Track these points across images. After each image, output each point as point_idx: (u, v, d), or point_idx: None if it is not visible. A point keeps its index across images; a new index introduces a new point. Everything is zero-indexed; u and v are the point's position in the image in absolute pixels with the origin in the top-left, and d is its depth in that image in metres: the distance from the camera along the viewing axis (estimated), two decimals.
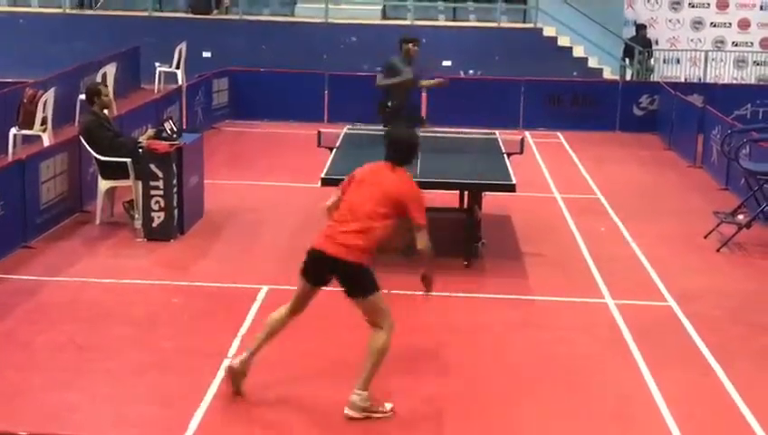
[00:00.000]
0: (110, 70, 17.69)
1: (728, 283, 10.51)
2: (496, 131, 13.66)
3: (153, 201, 11.18)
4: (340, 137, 12.64)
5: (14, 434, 5.98)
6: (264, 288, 9.74)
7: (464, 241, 10.87)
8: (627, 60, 22.38)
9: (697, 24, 23.75)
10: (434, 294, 9.77)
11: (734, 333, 9.11)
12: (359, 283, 7.11)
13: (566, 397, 7.65)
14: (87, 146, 11.61)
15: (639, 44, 22.11)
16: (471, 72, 21.68)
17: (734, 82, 22.72)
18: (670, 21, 23.70)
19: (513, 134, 14.59)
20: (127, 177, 11.55)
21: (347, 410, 7.08)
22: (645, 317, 9.39)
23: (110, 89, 16.15)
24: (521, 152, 12.12)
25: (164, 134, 11.58)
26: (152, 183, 11.17)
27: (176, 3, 24.01)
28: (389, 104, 13.44)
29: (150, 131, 11.93)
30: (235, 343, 8.33)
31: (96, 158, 11.61)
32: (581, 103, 19.11)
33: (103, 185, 11.70)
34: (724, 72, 23.11)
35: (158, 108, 15.24)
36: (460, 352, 8.48)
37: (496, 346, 8.69)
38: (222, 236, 11.63)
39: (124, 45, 20.76)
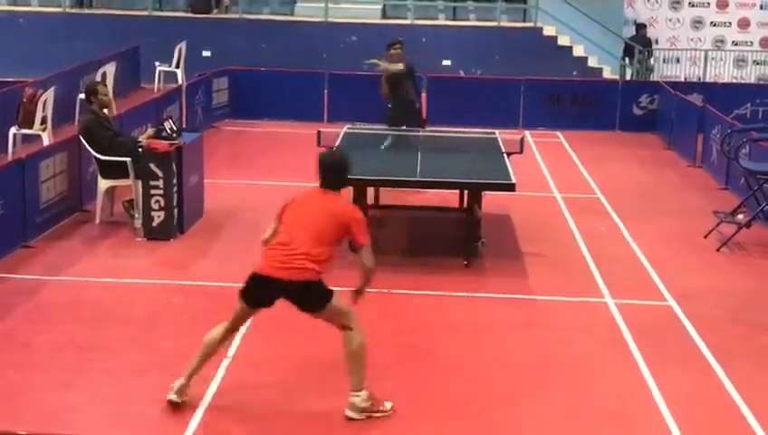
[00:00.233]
0: (110, 69, 17.68)
1: (728, 282, 10.51)
2: (496, 131, 13.67)
3: (153, 200, 11.18)
4: (340, 136, 12.64)
5: (15, 434, 5.97)
6: None
7: (463, 240, 10.88)
8: (627, 59, 22.38)
9: (697, 23, 23.74)
10: (434, 293, 9.82)
11: (734, 332, 9.11)
12: (315, 297, 7.07)
13: (566, 396, 7.65)
14: (87, 145, 11.60)
15: (639, 44, 22.10)
16: (475, 71, 21.65)
17: (734, 81, 22.72)
18: (670, 20, 23.69)
19: (513, 133, 14.60)
20: (127, 176, 11.54)
21: (347, 412, 7.08)
22: (645, 317, 9.39)
23: (110, 88, 16.15)
24: (520, 152, 12.12)
25: (164, 133, 11.57)
26: (152, 182, 11.17)
27: (175, 2, 24.00)
28: (389, 106, 13.64)
29: (150, 131, 11.92)
30: (236, 343, 8.32)
31: (96, 157, 11.61)
32: (581, 103, 19.10)
33: (103, 184, 11.70)
34: (723, 72, 23.10)
35: (157, 107, 15.23)
36: (460, 352, 8.48)
37: (496, 346, 8.69)
38: (222, 236, 11.63)
39: (124, 45, 20.74)
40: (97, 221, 11.73)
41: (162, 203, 11.18)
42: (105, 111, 12.13)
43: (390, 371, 7.99)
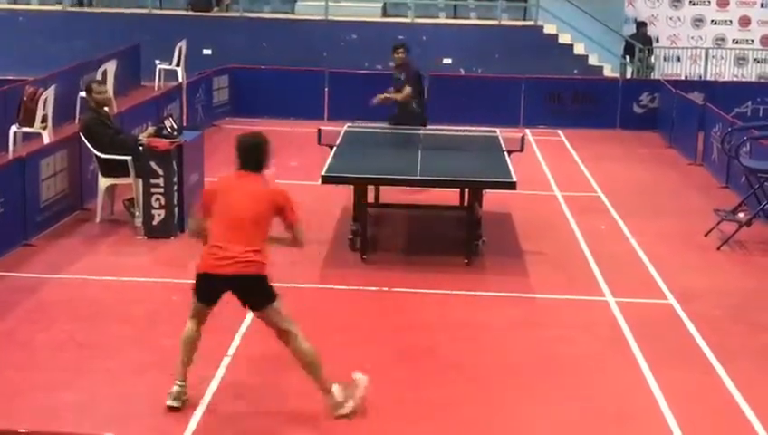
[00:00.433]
0: (111, 67, 17.68)
1: (729, 281, 10.51)
2: (497, 129, 13.67)
3: (153, 199, 11.18)
4: (341, 135, 12.64)
5: (15, 432, 5.97)
6: None
7: (464, 239, 10.87)
8: (627, 57, 22.35)
9: (698, 21, 23.73)
10: (434, 291, 9.82)
11: (734, 331, 9.10)
12: (262, 292, 7.04)
13: (566, 395, 7.64)
14: (87, 143, 11.60)
15: (640, 42, 22.09)
16: (475, 69, 21.64)
17: (735, 79, 22.70)
18: (671, 18, 23.67)
19: (514, 132, 14.59)
20: (127, 174, 11.54)
21: (336, 413, 7.03)
22: (645, 315, 9.39)
23: (111, 86, 16.16)
24: (521, 150, 12.11)
25: (164, 132, 11.57)
26: (152, 181, 11.18)
27: (176, 0, 23.99)
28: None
29: (151, 129, 11.92)
30: (236, 342, 8.33)
31: (96, 155, 11.61)
32: (582, 101, 19.10)
33: (104, 182, 11.70)
34: (724, 70, 23.08)
35: (158, 105, 15.23)
36: (460, 351, 8.47)
37: (496, 344, 8.68)
38: None
39: (124, 43, 20.74)
40: (97, 219, 11.73)
41: (163, 201, 11.18)
42: (106, 109, 12.13)
43: (390, 369, 7.99)
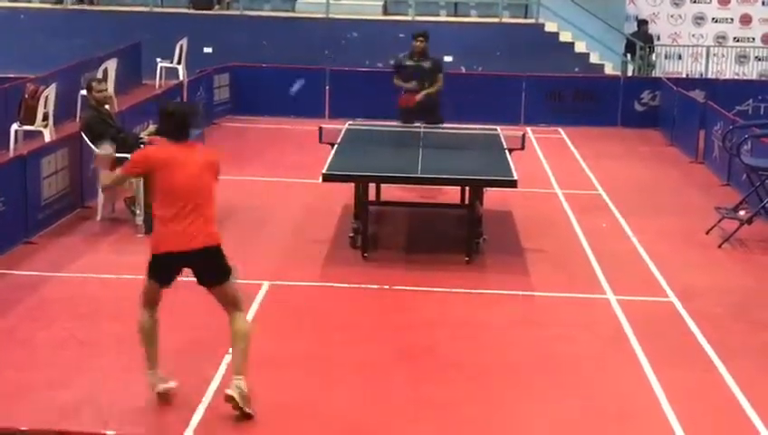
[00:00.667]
0: (111, 65, 17.68)
1: (730, 279, 10.50)
2: (498, 127, 13.66)
3: None
4: (342, 133, 12.63)
5: (15, 430, 5.97)
6: (266, 284, 9.74)
7: (465, 237, 10.87)
8: (628, 55, 22.36)
9: (699, 19, 23.72)
10: (435, 289, 9.81)
11: (735, 329, 9.10)
12: (222, 264, 7.04)
13: (567, 394, 7.64)
14: (88, 141, 11.60)
15: (641, 40, 22.09)
16: (476, 67, 21.64)
17: (736, 77, 22.69)
18: (672, 16, 23.67)
19: (515, 130, 14.58)
20: None
21: (229, 391, 6.86)
22: (646, 313, 9.38)
23: (111, 85, 16.16)
24: (522, 148, 12.11)
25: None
26: None
27: None
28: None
29: (152, 127, 11.92)
30: None
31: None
32: (583, 99, 19.09)
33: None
34: (725, 68, 23.08)
35: (159, 103, 15.21)
36: (460, 349, 8.47)
37: (497, 343, 8.68)
38: (223, 232, 11.44)
39: (125, 41, 20.74)
40: (98, 218, 11.73)
41: None
42: (106, 107, 12.13)
43: (390, 367, 7.99)
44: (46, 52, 20.85)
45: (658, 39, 23.21)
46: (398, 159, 11.59)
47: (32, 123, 14.48)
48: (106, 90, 12.34)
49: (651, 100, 19.00)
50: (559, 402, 7.49)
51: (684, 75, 22.23)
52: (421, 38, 13.96)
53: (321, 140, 12.15)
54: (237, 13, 23.33)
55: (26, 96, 14.58)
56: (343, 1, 23.30)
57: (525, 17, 23.57)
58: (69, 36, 21.85)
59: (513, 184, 10.61)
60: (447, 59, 21.64)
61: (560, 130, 18.32)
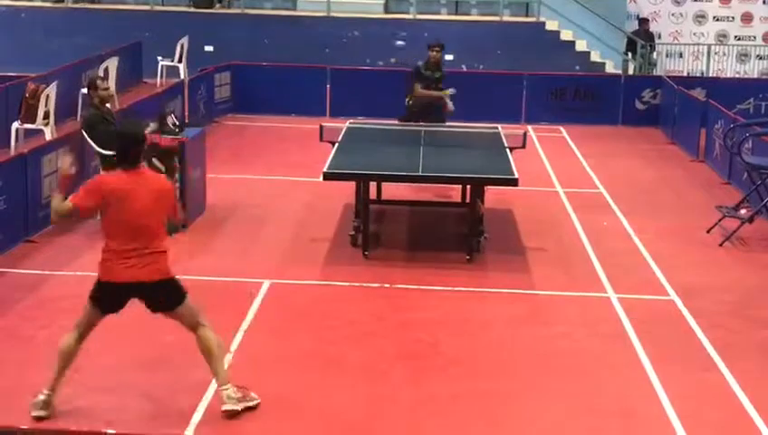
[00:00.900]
0: (112, 64, 17.68)
1: (730, 277, 10.49)
2: (499, 126, 13.65)
3: None
4: (343, 131, 12.63)
5: (16, 429, 5.97)
6: (266, 283, 9.73)
7: (466, 235, 10.86)
8: (629, 54, 22.35)
9: (700, 17, 23.71)
10: (436, 288, 9.81)
11: (736, 327, 9.09)
12: (174, 293, 6.97)
13: (568, 392, 7.63)
14: (89, 140, 11.60)
15: (642, 38, 22.08)
16: (477, 66, 21.62)
17: (737, 76, 22.68)
18: (673, 15, 23.66)
19: (516, 128, 14.57)
20: None
21: (225, 407, 6.92)
22: (647, 312, 9.38)
23: (112, 83, 16.16)
24: (523, 146, 12.11)
25: (166, 128, 11.56)
26: None
27: None
28: (409, 103, 13.59)
29: (153, 126, 11.91)
30: (237, 338, 8.33)
31: (98, 152, 11.60)
32: (584, 97, 19.09)
33: None
34: (726, 67, 23.08)
35: (160, 102, 15.21)
36: (462, 347, 8.47)
37: (498, 341, 8.68)
38: (224, 231, 11.63)
39: (126, 39, 20.73)
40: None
41: None
42: (107, 105, 12.12)
43: (391, 366, 7.99)
44: (47, 50, 20.86)
45: (659, 37, 23.21)
46: (399, 158, 11.58)
47: (32, 122, 14.48)
48: (109, 88, 12.34)
49: (652, 98, 18.99)
50: (560, 400, 7.49)
51: (685, 74, 22.22)
52: (438, 48, 14.03)
53: (321, 139, 12.15)
54: (238, 11, 23.33)
55: (27, 95, 14.58)
56: None
57: (526, 15, 23.56)
58: (70, 35, 21.85)
59: (514, 182, 10.60)
60: (448, 57, 21.63)
61: (561, 128, 18.31)
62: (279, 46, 21.70)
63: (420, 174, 10.93)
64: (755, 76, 22.88)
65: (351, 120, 13.84)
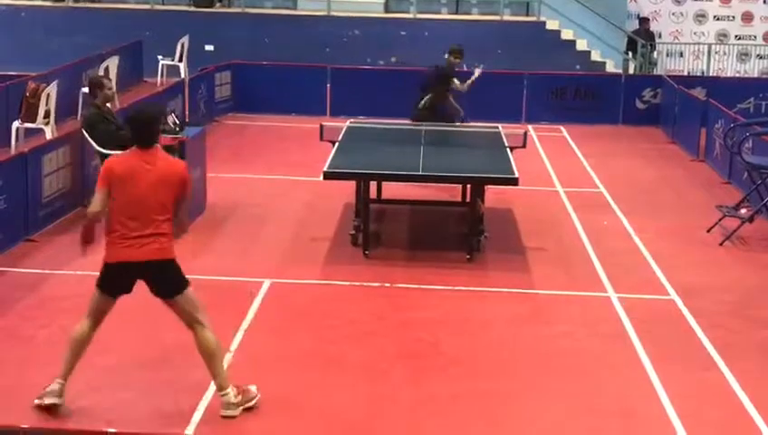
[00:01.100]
0: (113, 63, 17.68)
1: (731, 277, 10.49)
2: (499, 125, 13.65)
3: None
4: (343, 130, 12.63)
5: (16, 428, 5.97)
6: (267, 282, 9.74)
7: (466, 235, 10.86)
8: (630, 53, 22.36)
9: (700, 17, 23.71)
10: (436, 287, 9.81)
11: (736, 327, 9.09)
12: (175, 278, 6.98)
13: (569, 391, 7.63)
14: (89, 139, 11.59)
15: (642, 38, 22.08)
16: (480, 65, 21.60)
17: (737, 75, 22.68)
18: (673, 14, 23.66)
19: (516, 128, 14.57)
20: None
21: (224, 412, 6.93)
22: (647, 311, 9.38)
23: (113, 82, 16.15)
24: (524, 146, 12.10)
25: (167, 127, 11.55)
26: None
27: None
28: (423, 102, 13.62)
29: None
30: (238, 337, 8.33)
31: (98, 151, 11.59)
32: (584, 97, 19.09)
33: None
34: (727, 66, 23.08)
35: (160, 101, 15.21)
36: (462, 347, 8.47)
37: (498, 340, 8.68)
38: (224, 230, 11.63)
39: (126, 39, 20.74)
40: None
41: None
42: (108, 105, 12.11)
43: (392, 365, 7.99)
44: (47, 49, 20.87)
45: (660, 37, 23.21)
46: (400, 157, 11.58)
47: (33, 121, 14.48)
48: (113, 88, 12.34)
49: (653, 97, 18.99)
50: (560, 400, 7.49)
51: (685, 73, 22.24)
52: (460, 57, 14.67)
53: (322, 138, 12.15)
54: (239, 10, 23.34)
55: (27, 94, 14.57)
56: None
57: (527, 15, 23.57)
58: (70, 34, 21.87)
59: (514, 182, 10.60)
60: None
61: (561, 127, 18.31)
62: (279, 45, 21.71)
63: (420, 173, 10.93)
64: (756, 75, 22.88)
65: (352, 120, 13.84)
